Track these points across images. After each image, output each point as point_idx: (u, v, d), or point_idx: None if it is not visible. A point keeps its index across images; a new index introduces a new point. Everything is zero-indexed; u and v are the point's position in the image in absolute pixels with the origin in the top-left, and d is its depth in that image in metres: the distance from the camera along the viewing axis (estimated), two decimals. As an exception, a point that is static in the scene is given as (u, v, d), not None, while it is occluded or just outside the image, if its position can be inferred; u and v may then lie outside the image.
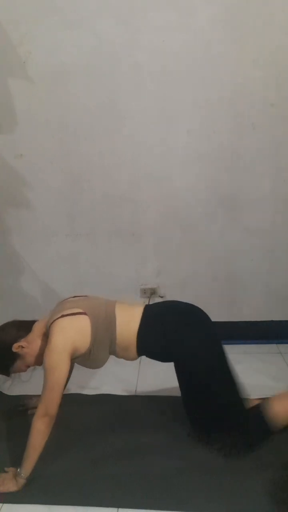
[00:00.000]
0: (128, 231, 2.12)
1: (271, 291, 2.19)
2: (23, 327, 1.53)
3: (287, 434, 1.53)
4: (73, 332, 1.43)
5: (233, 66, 1.83)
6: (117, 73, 1.86)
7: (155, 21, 1.78)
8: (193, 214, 2.07)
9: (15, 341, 1.48)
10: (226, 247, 2.12)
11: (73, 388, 1.89)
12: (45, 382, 1.38)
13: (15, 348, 1.47)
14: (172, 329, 1.51)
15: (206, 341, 1.53)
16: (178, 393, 1.57)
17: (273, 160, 1.96)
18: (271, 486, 1.35)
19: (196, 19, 1.77)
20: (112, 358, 1.57)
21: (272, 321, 2.24)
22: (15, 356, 1.49)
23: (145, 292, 2.23)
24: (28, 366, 1.54)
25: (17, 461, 1.41)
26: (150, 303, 2.17)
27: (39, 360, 1.48)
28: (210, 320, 1.59)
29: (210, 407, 1.48)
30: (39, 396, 1.40)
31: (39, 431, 1.36)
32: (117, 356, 1.55)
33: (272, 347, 2.21)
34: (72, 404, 1.79)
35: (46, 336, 1.46)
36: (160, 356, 1.55)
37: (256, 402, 1.57)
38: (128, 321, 1.50)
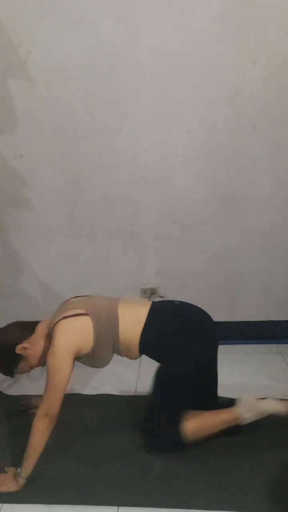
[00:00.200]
0: (128, 231, 2.12)
1: (271, 291, 2.19)
2: (27, 328, 1.53)
3: (287, 434, 1.54)
4: (75, 334, 1.43)
5: (233, 66, 1.83)
6: (117, 73, 1.86)
7: (155, 21, 1.78)
8: (193, 214, 2.07)
9: (19, 342, 1.48)
10: (226, 247, 2.12)
11: (73, 388, 1.89)
12: (47, 383, 1.38)
13: (18, 349, 1.47)
14: (176, 335, 1.52)
15: (202, 348, 1.54)
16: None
17: (273, 160, 1.96)
18: (271, 486, 1.35)
19: (196, 19, 1.77)
20: (112, 358, 1.57)
21: (272, 321, 2.24)
22: (18, 358, 1.49)
23: (145, 292, 2.23)
24: (32, 368, 1.54)
25: (17, 461, 1.41)
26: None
27: (43, 361, 1.48)
28: (214, 325, 1.61)
29: (170, 410, 1.51)
30: (39, 396, 1.41)
31: (40, 432, 1.36)
32: (121, 355, 1.56)
33: (272, 347, 2.21)
34: (72, 404, 1.78)
35: (49, 337, 1.47)
36: (160, 357, 1.55)
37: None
38: (132, 322, 1.50)
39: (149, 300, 2.19)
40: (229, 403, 1.59)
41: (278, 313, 2.23)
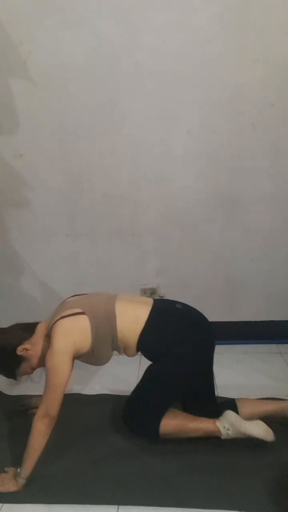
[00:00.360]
0: (128, 231, 2.12)
1: (271, 291, 2.19)
2: (27, 330, 1.54)
3: (287, 434, 1.54)
4: (73, 333, 1.43)
5: (233, 66, 1.83)
6: (117, 73, 1.86)
7: (155, 21, 1.78)
8: (193, 214, 2.07)
9: (20, 344, 1.48)
10: (226, 247, 2.12)
11: (73, 388, 1.89)
12: (46, 383, 1.38)
13: (19, 351, 1.47)
14: (176, 336, 1.52)
15: (201, 349, 1.54)
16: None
17: (273, 160, 1.96)
18: (271, 486, 1.35)
19: (196, 19, 1.77)
20: (112, 358, 1.57)
21: (272, 321, 2.24)
22: (20, 359, 1.49)
23: (145, 292, 2.23)
24: (34, 369, 1.54)
25: (17, 461, 1.41)
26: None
27: (43, 361, 1.48)
28: (211, 326, 1.61)
29: (150, 399, 1.53)
30: (39, 396, 1.41)
31: (40, 432, 1.36)
32: (120, 352, 1.56)
33: (272, 347, 2.21)
34: (72, 404, 1.79)
35: (48, 338, 1.47)
36: (157, 357, 1.55)
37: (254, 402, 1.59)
38: (131, 321, 1.51)
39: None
40: (228, 403, 1.59)
41: (278, 313, 2.23)
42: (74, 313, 1.46)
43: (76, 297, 1.61)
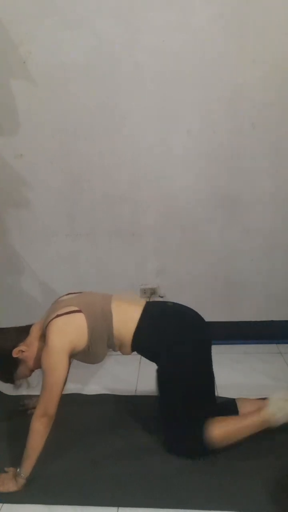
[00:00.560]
0: (128, 231, 2.12)
1: (271, 291, 2.19)
2: (21, 332, 1.52)
3: (287, 434, 1.54)
4: (69, 332, 1.42)
5: (233, 66, 1.83)
6: (117, 73, 1.86)
7: (155, 21, 1.78)
8: (193, 214, 2.07)
9: (15, 346, 1.47)
10: (226, 247, 2.12)
11: (73, 388, 1.89)
12: (43, 382, 1.37)
13: (15, 353, 1.46)
14: (169, 335, 1.51)
15: (198, 348, 1.53)
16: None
17: (273, 160, 1.96)
18: (271, 486, 1.35)
19: (196, 19, 1.77)
20: (112, 358, 1.57)
21: (272, 321, 2.24)
22: (16, 362, 1.48)
23: (145, 292, 2.23)
24: (32, 371, 1.53)
25: (17, 461, 1.41)
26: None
27: (39, 362, 1.46)
28: (207, 325, 1.60)
29: (176, 410, 1.50)
30: (39, 396, 1.40)
31: (38, 431, 1.36)
32: (115, 350, 1.55)
33: (272, 347, 2.21)
34: (72, 404, 1.79)
35: (44, 337, 1.45)
36: (153, 356, 1.55)
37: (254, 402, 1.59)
38: (126, 321, 1.50)
39: (149, 300, 2.21)
40: (228, 403, 1.59)
41: (278, 313, 2.23)
42: (70, 311, 1.45)
43: (70, 295, 1.59)
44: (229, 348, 2.18)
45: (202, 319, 1.60)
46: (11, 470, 1.44)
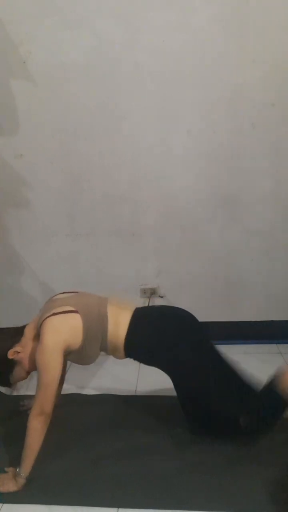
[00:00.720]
0: (128, 231, 2.12)
1: (271, 291, 2.19)
2: (15, 333, 1.51)
3: (287, 434, 1.54)
4: (64, 330, 1.41)
5: (233, 66, 1.83)
6: (117, 73, 1.86)
7: (155, 21, 1.78)
8: (193, 214, 2.07)
9: (10, 347, 1.45)
10: (226, 247, 2.12)
11: (73, 388, 1.89)
12: (38, 381, 1.36)
13: (10, 354, 1.44)
14: (159, 336, 1.51)
15: (192, 345, 1.52)
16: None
17: (273, 160, 1.96)
18: (271, 486, 1.35)
19: (196, 19, 1.77)
20: (112, 358, 1.57)
21: (272, 321, 2.24)
22: (12, 364, 1.46)
23: (145, 292, 2.23)
24: (28, 372, 1.51)
25: (17, 461, 1.41)
26: (150, 303, 2.18)
27: (35, 363, 1.44)
28: (198, 322, 1.60)
29: (208, 406, 1.49)
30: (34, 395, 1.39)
31: (36, 430, 1.35)
32: (108, 353, 1.55)
33: (272, 347, 2.21)
34: (72, 404, 1.79)
35: (38, 337, 1.43)
36: (146, 360, 1.55)
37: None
38: (118, 324, 1.50)
39: (149, 300, 2.21)
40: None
41: (278, 313, 2.23)
42: (66, 310, 1.44)
43: (66, 294, 1.58)
44: (229, 348, 2.16)
45: (192, 316, 1.59)
46: (11, 470, 1.43)
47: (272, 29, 1.78)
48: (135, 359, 1.57)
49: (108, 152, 1.99)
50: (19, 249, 2.19)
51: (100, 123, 1.94)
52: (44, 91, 1.90)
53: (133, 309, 1.57)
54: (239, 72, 1.84)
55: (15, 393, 1.59)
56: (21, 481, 1.38)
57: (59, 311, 1.44)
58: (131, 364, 1.73)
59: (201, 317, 1.63)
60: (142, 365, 2.04)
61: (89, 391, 1.92)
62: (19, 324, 1.57)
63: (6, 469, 1.45)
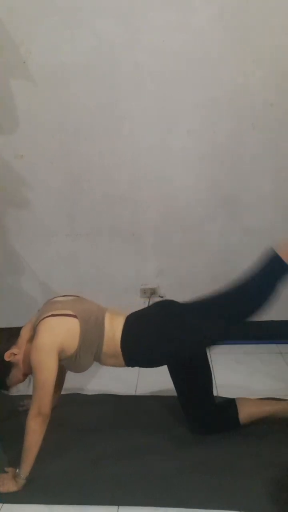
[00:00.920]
0: (128, 231, 2.12)
1: (271, 291, 2.19)
2: (12, 335, 1.49)
3: (287, 434, 1.54)
4: (61, 332, 1.39)
5: (233, 66, 1.83)
6: (117, 73, 1.86)
7: (155, 21, 1.78)
8: (193, 214, 2.07)
9: (6, 349, 1.43)
10: (226, 247, 2.12)
11: (73, 388, 1.89)
12: (34, 381, 1.35)
13: (7, 356, 1.42)
14: (155, 329, 1.50)
15: (187, 336, 1.50)
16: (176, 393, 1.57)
17: (273, 160, 1.96)
18: (271, 486, 1.35)
19: (196, 19, 1.77)
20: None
21: (272, 321, 2.23)
22: (9, 366, 1.44)
23: (145, 292, 2.23)
24: (26, 374, 1.48)
25: (17, 461, 1.41)
26: (150, 303, 2.18)
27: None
28: (180, 305, 1.59)
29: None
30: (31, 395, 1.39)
31: (34, 431, 1.34)
32: (102, 363, 1.52)
33: (272, 347, 2.21)
34: (72, 404, 1.79)
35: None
36: (147, 359, 1.54)
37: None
38: (113, 331, 1.47)
39: (149, 300, 2.21)
40: (228, 403, 1.58)
41: (278, 313, 2.22)
42: (65, 314, 1.42)
43: (66, 297, 1.56)
44: (229, 348, 2.18)
45: (174, 302, 1.60)
46: (10, 470, 1.43)
47: (272, 29, 1.78)
48: (135, 362, 1.54)
49: (108, 152, 1.99)
50: (19, 249, 2.19)
51: (100, 123, 1.94)
52: (44, 91, 1.90)
53: (127, 314, 1.55)
54: (239, 72, 1.84)
55: (15, 393, 1.59)
56: (21, 481, 1.38)
57: (58, 313, 1.42)
58: (131, 364, 1.74)
59: (201, 317, 1.63)
60: (142, 365, 2.04)
61: (89, 391, 1.92)
62: (19, 324, 1.56)
63: (6, 469, 1.45)
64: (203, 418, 1.57)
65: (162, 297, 2.22)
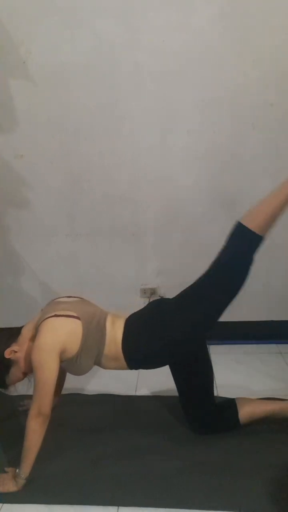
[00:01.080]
0: (128, 231, 2.12)
1: (271, 291, 2.19)
2: (13, 333, 1.49)
3: (287, 434, 1.54)
4: (64, 333, 1.39)
5: (233, 66, 1.83)
6: (117, 73, 1.86)
7: (155, 21, 1.78)
8: (193, 214, 2.07)
9: (7, 347, 1.43)
10: (226, 247, 2.12)
11: (73, 388, 1.89)
12: (35, 381, 1.35)
13: (7, 354, 1.42)
14: (153, 327, 1.50)
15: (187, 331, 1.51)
16: (177, 393, 1.57)
17: (273, 160, 1.96)
18: (271, 486, 1.35)
19: (196, 19, 1.77)
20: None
21: (272, 321, 2.24)
22: (9, 363, 1.44)
23: (145, 292, 2.23)
24: (25, 373, 1.48)
25: (17, 461, 1.41)
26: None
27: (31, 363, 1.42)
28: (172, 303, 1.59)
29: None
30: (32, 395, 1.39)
31: (34, 432, 1.34)
32: (104, 367, 1.52)
33: (272, 347, 2.21)
34: (72, 404, 1.79)
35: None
36: (148, 359, 1.54)
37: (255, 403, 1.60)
38: (114, 333, 1.48)
39: (149, 300, 2.21)
40: (228, 403, 1.58)
41: (278, 313, 2.23)
42: (69, 315, 1.42)
43: (70, 298, 1.56)
44: (229, 348, 2.18)
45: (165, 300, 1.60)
46: (10, 470, 1.43)
47: (272, 29, 1.78)
48: (137, 363, 1.54)
49: (108, 152, 1.99)
50: (19, 249, 2.19)
51: (100, 123, 1.94)
52: (44, 91, 1.90)
53: (127, 316, 1.55)
54: (239, 72, 1.84)
55: (14, 393, 1.59)
56: (21, 481, 1.38)
57: (61, 313, 1.42)
58: (131, 364, 1.73)
59: (201, 317, 1.63)
60: (142, 365, 2.04)
61: (89, 391, 1.93)
62: (19, 324, 1.56)
63: (6, 469, 1.45)
64: (203, 418, 1.57)
65: (162, 297, 2.22)
